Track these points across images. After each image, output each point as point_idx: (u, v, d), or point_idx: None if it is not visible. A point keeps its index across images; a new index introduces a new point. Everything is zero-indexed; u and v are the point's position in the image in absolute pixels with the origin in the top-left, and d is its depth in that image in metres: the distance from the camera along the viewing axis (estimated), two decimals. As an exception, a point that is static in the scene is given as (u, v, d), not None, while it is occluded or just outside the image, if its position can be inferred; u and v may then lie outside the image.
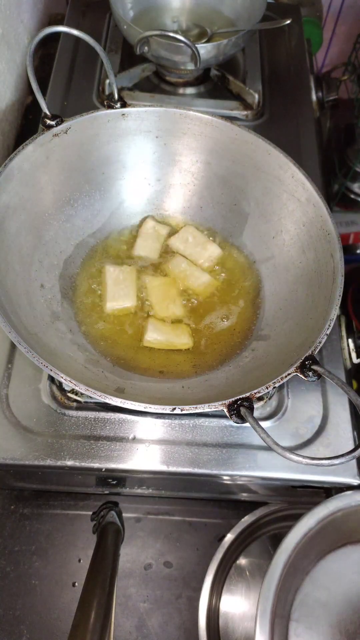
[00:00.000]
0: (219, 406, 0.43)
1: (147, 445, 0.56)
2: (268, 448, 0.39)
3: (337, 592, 0.54)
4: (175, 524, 0.68)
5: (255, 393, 0.43)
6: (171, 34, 0.68)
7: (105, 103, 0.60)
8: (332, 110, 1.04)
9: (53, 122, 0.56)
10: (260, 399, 0.58)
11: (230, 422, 0.56)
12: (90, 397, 0.44)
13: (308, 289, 0.55)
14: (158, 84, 0.85)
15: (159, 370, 0.56)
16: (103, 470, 0.55)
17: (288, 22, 0.80)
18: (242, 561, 0.64)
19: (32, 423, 0.55)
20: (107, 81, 0.81)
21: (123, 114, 0.60)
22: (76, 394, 0.57)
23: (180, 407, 0.43)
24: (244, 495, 0.65)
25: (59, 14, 1.00)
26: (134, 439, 0.56)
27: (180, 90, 0.85)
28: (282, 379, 0.45)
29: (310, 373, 0.45)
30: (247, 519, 0.63)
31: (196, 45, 0.70)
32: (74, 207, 0.62)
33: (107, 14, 0.92)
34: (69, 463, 0.54)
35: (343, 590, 0.54)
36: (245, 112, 0.82)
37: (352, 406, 0.59)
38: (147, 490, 0.65)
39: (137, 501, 0.69)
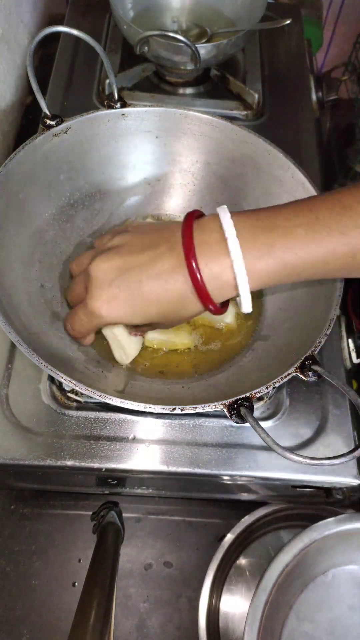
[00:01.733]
0: (219, 406, 0.43)
1: (147, 445, 0.56)
2: (268, 448, 0.39)
3: (322, 622, 0.55)
4: (175, 524, 0.68)
5: (255, 393, 0.43)
6: (171, 34, 0.68)
7: (105, 103, 0.60)
8: (332, 110, 1.04)
9: (53, 122, 0.56)
10: (260, 399, 0.58)
11: (230, 422, 0.56)
12: (90, 397, 0.44)
13: (308, 289, 0.55)
14: (158, 84, 0.85)
15: (159, 370, 0.56)
16: (103, 470, 0.55)
17: (288, 22, 0.80)
18: (242, 561, 0.64)
19: (32, 423, 0.55)
20: (107, 81, 0.81)
21: (123, 114, 0.60)
22: (76, 394, 0.57)
23: (180, 407, 0.43)
24: (244, 495, 0.64)
25: (59, 14, 1.00)
26: (134, 439, 0.56)
27: (180, 90, 0.85)
28: (282, 379, 0.45)
29: (310, 373, 0.45)
30: (247, 519, 0.63)
31: (196, 45, 0.70)
32: (74, 207, 0.62)
33: (107, 14, 0.92)
34: (69, 463, 0.54)
35: (327, 619, 0.55)
36: (245, 112, 0.82)
37: (352, 406, 0.59)
38: (147, 490, 0.65)
39: (137, 501, 0.69)
